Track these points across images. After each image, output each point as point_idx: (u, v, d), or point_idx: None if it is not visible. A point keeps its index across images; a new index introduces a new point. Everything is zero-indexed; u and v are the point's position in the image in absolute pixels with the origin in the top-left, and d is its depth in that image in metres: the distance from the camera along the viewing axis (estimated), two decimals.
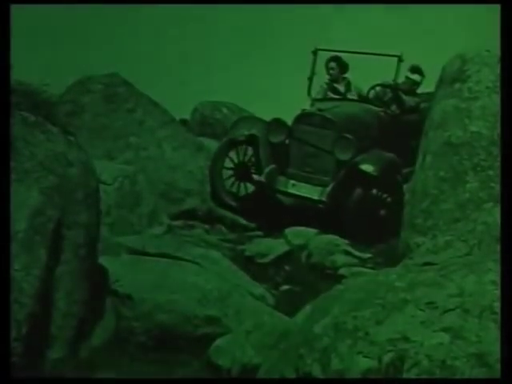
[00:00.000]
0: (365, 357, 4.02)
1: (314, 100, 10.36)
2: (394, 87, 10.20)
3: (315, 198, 9.15)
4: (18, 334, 5.11)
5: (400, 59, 9.97)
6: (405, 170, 9.56)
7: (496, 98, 7.41)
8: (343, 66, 10.52)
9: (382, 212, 9.14)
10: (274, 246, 8.36)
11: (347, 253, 8.19)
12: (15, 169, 5.45)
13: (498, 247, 4.65)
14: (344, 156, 9.16)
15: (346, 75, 10.59)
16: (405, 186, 9.34)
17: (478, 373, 3.78)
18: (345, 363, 4.06)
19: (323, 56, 10.56)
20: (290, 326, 4.75)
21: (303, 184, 9.31)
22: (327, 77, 10.61)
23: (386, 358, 3.96)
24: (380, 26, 17.26)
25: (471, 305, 4.00)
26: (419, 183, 7.71)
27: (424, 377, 3.85)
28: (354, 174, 9.06)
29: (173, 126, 11.34)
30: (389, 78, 10.31)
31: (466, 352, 3.84)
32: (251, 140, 9.72)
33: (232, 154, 9.89)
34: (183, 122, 13.36)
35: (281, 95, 10.44)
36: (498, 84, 7.43)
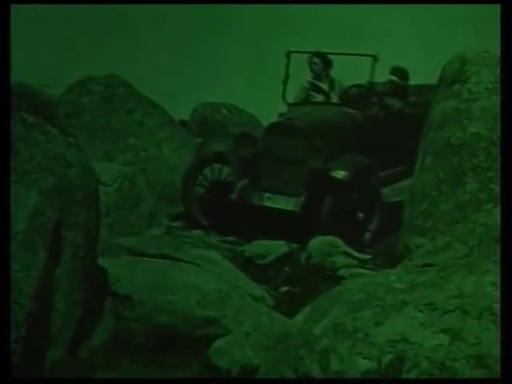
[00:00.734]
0: (364, 358, 4.02)
1: (289, 105, 10.21)
2: (369, 88, 10.03)
3: (290, 209, 9.02)
4: (17, 335, 5.11)
5: (375, 59, 9.84)
6: (383, 173, 9.53)
7: (496, 99, 7.41)
8: (327, 62, 10.28)
9: (360, 215, 9.12)
10: (274, 247, 8.36)
11: (347, 254, 8.19)
12: (15, 169, 5.45)
13: (498, 248, 4.65)
14: (315, 164, 9.04)
15: (330, 72, 10.35)
16: (401, 186, 9.35)
17: (478, 374, 3.78)
18: (344, 364, 4.06)
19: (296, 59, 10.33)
20: (289, 327, 4.75)
21: (279, 196, 9.16)
22: (310, 74, 10.37)
23: (386, 359, 3.96)
24: (380, 26, 17.26)
25: (471, 306, 4.00)
26: (418, 184, 7.71)
27: (423, 378, 3.85)
28: (327, 181, 8.97)
29: (172, 127, 11.36)
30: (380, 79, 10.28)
31: (465, 353, 3.84)
32: (220, 157, 9.56)
33: (202, 175, 9.73)
34: (183, 122, 13.36)
35: (281, 95, 10.35)
36: (498, 85, 7.44)
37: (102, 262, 6.27)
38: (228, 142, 9.62)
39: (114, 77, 11.26)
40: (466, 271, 4.26)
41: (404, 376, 3.88)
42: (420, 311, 4.08)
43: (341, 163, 9.09)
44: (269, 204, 9.20)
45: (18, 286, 5.19)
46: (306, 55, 10.38)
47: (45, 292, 5.41)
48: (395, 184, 9.67)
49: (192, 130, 13.21)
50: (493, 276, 4.12)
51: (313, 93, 10.33)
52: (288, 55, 10.26)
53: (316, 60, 10.28)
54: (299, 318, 4.63)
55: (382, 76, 10.38)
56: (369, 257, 8.39)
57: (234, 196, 9.21)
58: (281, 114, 10.01)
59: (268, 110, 11.28)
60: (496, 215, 5.99)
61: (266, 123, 10.77)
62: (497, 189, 7.04)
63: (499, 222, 5.81)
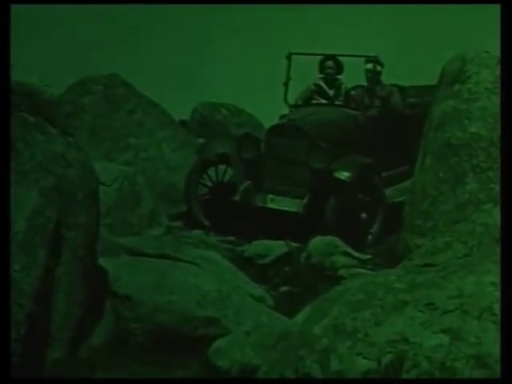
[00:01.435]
0: (364, 358, 4.02)
1: (291, 106, 10.19)
2: (371, 89, 10.04)
3: (293, 210, 9.01)
4: (17, 335, 5.11)
5: (376, 59, 9.87)
6: (386, 173, 9.52)
7: (495, 99, 7.42)
8: (340, 66, 10.26)
9: (364, 216, 9.12)
10: (274, 247, 8.36)
11: (346, 254, 8.18)
12: (15, 169, 5.45)
13: (498, 248, 4.65)
14: (318, 165, 9.02)
15: (340, 77, 10.32)
16: (404, 186, 9.34)
17: (478, 374, 3.78)
18: (344, 364, 4.06)
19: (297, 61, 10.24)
20: (289, 327, 4.75)
21: (282, 197, 9.15)
22: (320, 76, 10.32)
23: (386, 359, 3.96)
24: (380, 26, 17.26)
25: (471, 306, 4.00)
26: (419, 184, 7.71)
27: (423, 378, 3.85)
28: (330, 182, 8.96)
29: (172, 127, 11.37)
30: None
31: (465, 353, 3.84)
32: (223, 159, 9.56)
33: (205, 175, 9.74)
34: (183, 123, 13.36)
35: (281, 96, 10.33)
36: (498, 85, 7.44)
37: (102, 261, 6.27)
38: (231, 144, 9.61)
39: (114, 77, 11.27)
40: (465, 271, 4.26)
41: (404, 376, 3.88)
42: (420, 311, 4.08)
43: (344, 164, 9.08)
44: (272, 205, 9.19)
45: (18, 286, 5.19)
46: (310, 57, 10.35)
47: (45, 292, 5.41)
48: (398, 184, 9.68)
49: (192, 130, 13.20)
50: (493, 276, 4.13)
51: (317, 96, 10.30)
52: (289, 57, 10.22)
53: (331, 64, 10.23)
54: (299, 317, 4.63)
55: (383, 76, 10.37)
56: (369, 257, 8.38)
57: (237, 197, 9.21)
58: (282, 116, 9.99)
59: (268, 110, 11.29)
60: (496, 215, 5.99)
61: (265, 123, 10.80)
62: (497, 189, 7.05)
63: (499, 222, 5.81)
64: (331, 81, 10.31)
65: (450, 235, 6.44)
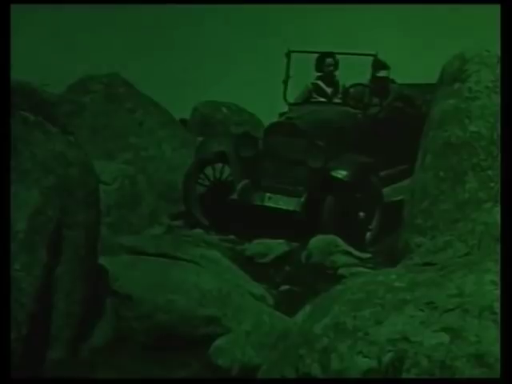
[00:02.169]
0: (364, 357, 4.02)
1: (290, 105, 10.16)
2: (370, 87, 9.97)
3: (291, 209, 9.00)
4: (17, 334, 5.11)
5: (376, 58, 9.82)
6: (384, 172, 9.51)
7: (496, 98, 7.42)
8: (337, 63, 10.23)
9: (361, 215, 9.12)
10: (274, 246, 8.36)
11: (347, 253, 8.19)
12: (15, 169, 5.45)
13: (498, 247, 4.66)
14: (316, 164, 9.01)
15: (336, 74, 10.30)
16: (402, 186, 9.34)
17: (478, 373, 3.78)
18: (344, 363, 4.06)
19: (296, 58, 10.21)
20: (289, 326, 4.75)
21: (279, 196, 9.14)
22: (317, 75, 10.31)
23: (386, 358, 3.96)
24: (380, 26, 17.27)
25: (471, 305, 4.00)
26: (419, 183, 7.72)
27: (424, 377, 3.85)
28: (327, 181, 8.95)
29: (173, 126, 11.37)
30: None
31: (465, 352, 3.84)
32: (221, 157, 9.55)
33: (203, 174, 9.73)
34: (183, 122, 13.36)
35: (281, 95, 10.33)
36: (498, 84, 7.44)
37: (102, 261, 6.27)
38: (228, 142, 9.60)
39: (114, 76, 11.27)
40: (466, 270, 4.26)
41: (404, 375, 3.89)
42: (420, 310, 4.08)
43: (341, 163, 9.07)
44: (270, 204, 9.17)
45: (19, 285, 5.19)
46: (310, 55, 10.34)
47: (45, 291, 5.41)
48: (396, 183, 9.68)
49: (192, 129, 13.20)
50: (493, 275, 4.13)
51: (315, 95, 10.28)
52: (288, 55, 10.20)
53: (330, 61, 10.20)
54: (299, 316, 4.64)
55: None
56: (369, 256, 8.39)
57: (235, 196, 9.20)
58: (281, 114, 9.98)
59: (268, 109, 11.29)
60: (496, 214, 6.00)
61: (266, 122, 10.78)
62: (497, 187, 7.05)
63: (499, 221, 5.82)
64: (330, 78, 10.29)
65: (450, 234, 6.45)
